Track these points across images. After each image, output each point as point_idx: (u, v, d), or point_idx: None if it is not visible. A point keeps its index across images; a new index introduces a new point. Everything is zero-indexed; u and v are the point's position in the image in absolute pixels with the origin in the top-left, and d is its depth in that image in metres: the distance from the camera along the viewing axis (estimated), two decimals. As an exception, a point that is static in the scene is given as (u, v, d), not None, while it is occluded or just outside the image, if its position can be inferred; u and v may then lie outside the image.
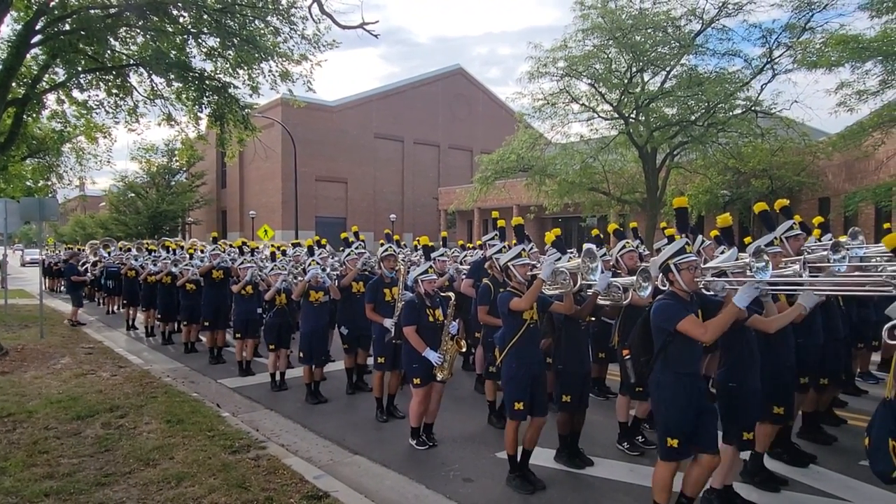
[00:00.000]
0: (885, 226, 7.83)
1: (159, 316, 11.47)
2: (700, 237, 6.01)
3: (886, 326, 3.10)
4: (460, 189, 33.07)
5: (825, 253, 4.37)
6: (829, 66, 14.97)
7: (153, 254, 12.52)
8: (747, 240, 4.54)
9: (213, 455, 5.18)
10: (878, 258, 4.87)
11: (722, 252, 4.32)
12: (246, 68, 11.41)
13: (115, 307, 16.44)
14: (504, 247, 5.41)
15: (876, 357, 7.92)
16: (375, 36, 11.30)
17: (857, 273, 4.26)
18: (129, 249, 15.64)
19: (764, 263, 3.52)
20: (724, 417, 4.17)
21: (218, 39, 10.92)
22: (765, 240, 4.31)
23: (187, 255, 11.08)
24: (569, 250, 5.24)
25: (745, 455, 4.60)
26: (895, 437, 2.93)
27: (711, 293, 3.94)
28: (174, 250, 11.89)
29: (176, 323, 11.64)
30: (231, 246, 11.31)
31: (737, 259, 3.93)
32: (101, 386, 7.66)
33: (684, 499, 3.84)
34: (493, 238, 7.23)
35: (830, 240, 4.95)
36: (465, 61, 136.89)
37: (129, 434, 5.80)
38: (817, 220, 6.59)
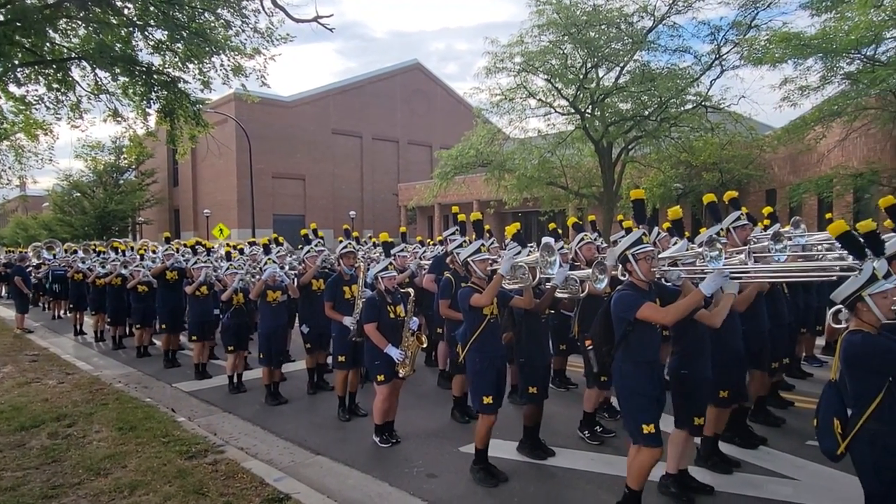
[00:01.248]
0: (828, 215, 8.18)
1: (109, 320, 11.08)
2: (656, 229, 6.15)
3: (831, 311, 3.24)
4: (420, 185, 33.01)
5: (768, 243, 4.52)
6: (774, 62, 15.54)
7: (101, 255, 12.05)
8: (702, 230, 4.67)
9: (169, 461, 5.03)
10: (819, 246, 5.09)
11: (675, 243, 4.43)
12: (196, 62, 11.06)
13: (62, 312, 15.80)
14: (465, 241, 5.42)
15: (820, 341, 8.27)
16: (330, 30, 11.14)
17: (801, 261, 4.42)
18: (76, 251, 15.02)
19: (717, 252, 3.62)
20: (677, 404, 4.29)
21: (166, 32, 10.55)
22: (713, 230, 4.44)
23: (138, 257, 10.72)
24: (529, 244, 5.28)
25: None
26: (840, 417, 3.06)
27: (668, 283, 4.03)
28: (123, 251, 11.49)
29: (127, 326, 11.25)
30: (185, 246, 10.99)
31: (688, 249, 4.03)
32: (47, 394, 7.35)
33: (627, 489, 3.92)
34: (453, 233, 7.23)
35: (775, 229, 5.13)
36: (423, 56, 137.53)
37: (78, 443, 5.57)
38: (766, 210, 6.83)
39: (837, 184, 16.40)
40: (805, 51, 14.65)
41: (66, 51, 10.80)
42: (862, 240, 3.11)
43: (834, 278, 3.37)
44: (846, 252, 3.25)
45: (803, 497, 4.31)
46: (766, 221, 6.04)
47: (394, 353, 5.37)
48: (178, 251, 10.31)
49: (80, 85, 11.46)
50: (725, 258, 3.74)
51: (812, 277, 4.01)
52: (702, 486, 4.41)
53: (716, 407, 4.64)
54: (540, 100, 21.09)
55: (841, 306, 3.12)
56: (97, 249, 13.00)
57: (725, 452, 4.94)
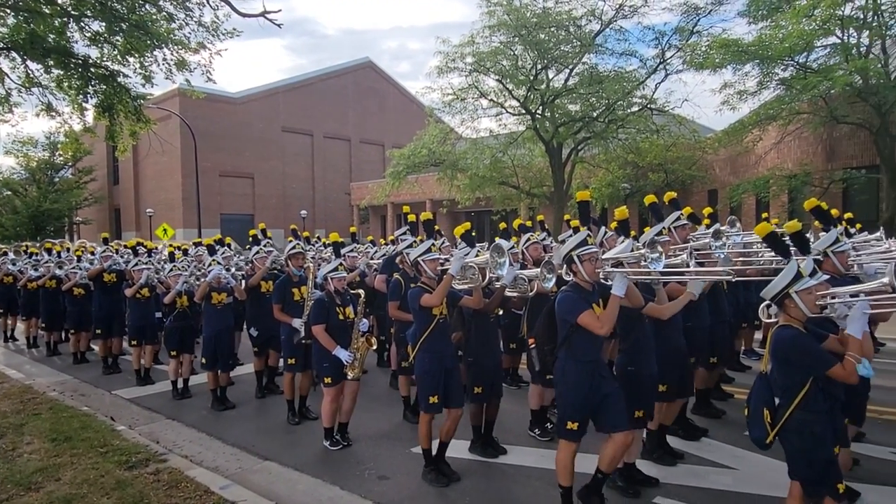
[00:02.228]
0: (764, 215, 8.54)
1: (43, 325, 10.53)
2: (603, 229, 6.29)
3: (762, 305, 3.38)
4: (373, 184, 32.80)
5: (708, 241, 4.69)
6: (714, 67, 16.17)
7: (34, 257, 11.45)
8: (647, 229, 4.79)
9: (107, 473, 4.82)
10: (758, 244, 5.31)
11: (621, 243, 4.53)
12: (137, 56, 10.67)
13: (-8, 317, 14.91)
14: (415, 241, 5.40)
15: (758, 335, 8.63)
16: (278, 26, 10.94)
17: (741, 260, 4.61)
18: (6, 253, 14.19)
19: (658, 254, 3.73)
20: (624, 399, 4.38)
21: (103, 24, 10.12)
22: (655, 230, 4.57)
23: (74, 258, 10.24)
24: (479, 244, 5.30)
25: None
26: (769, 407, 3.20)
27: (611, 283, 4.11)
28: (59, 252, 10.94)
29: (63, 332, 10.74)
30: (125, 247, 10.56)
31: (632, 250, 4.13)
32: (-27, 405, 6.93)
33: (600, 474, 4.01)
34: (404, 233, 7.20)
35: (715, 228, 5.32)
36: (375, 55, 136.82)
37: (7, 457, 5.27)
38: (706, 210, 7.08)
39: (773, 184, 17.20)
40: (743, 57, 15.30)
41: (-7, 41, 10.22)
42: (790, 239, 3.27)
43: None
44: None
45: (742, 485, 4.49)
46: (707, 221, 6.26)
47: (342, 355, 5.30)
48: (117, 252, 9.90)
49: (9, 77, 10.87)
50: (669, 257, 3.85)
51: (750, 276, 4.18)
52: (647, 478, 4.53)
53: (661, 402, 4.77)
54: (491, 100, 21.29)
55: (769, 301, 3.26)
56: (29, 251, 12.33)
57: (670, 444, 5.09)
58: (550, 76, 20.90)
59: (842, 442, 3.37)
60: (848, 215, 6.51)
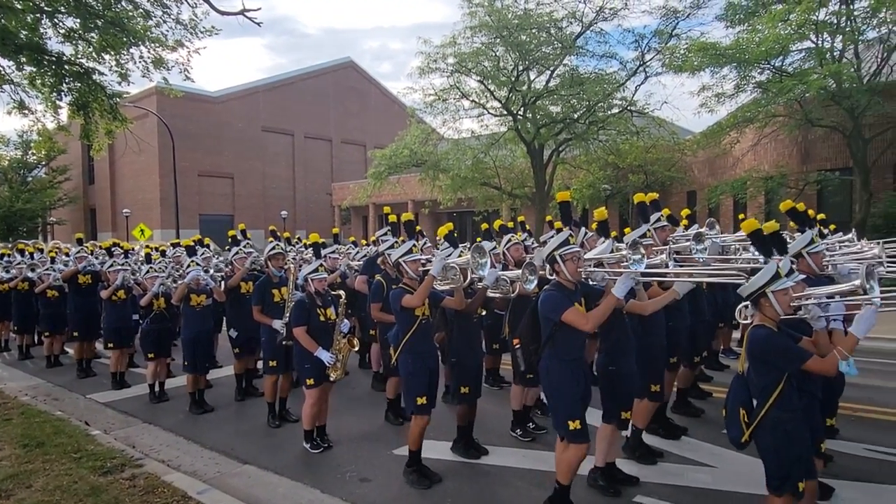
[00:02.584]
0: (741, 216, 8.65)
1: (15, 328, 10.28)
2: (583, 229, 6.32)
3: (739, 306, 3.42)
4: (354, 184, 32.61)
5: (689, 243, 4.73)
6: (693, 70, 16.37)
7: (5, 258, 11.17)
8: (627, 230, 4.83)
9: (81, 479, 4.71)
10: (735, 245, 5.39)
11: (602, 243, 4.55)
12: (113, 53, 10.49)
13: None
14: (396, 242, 5.37)
15: (736, 334, 8.74)
16: (258, 24, 10.82)
17: (718, 263, 4.66)
18: (-23, 254, 13.86)
19: (640, 256, 3.76)
20: (605, 398, 4.41)
21: (78, 20, 9.93)
22: (638, 232, 4.60)
23: (48, 259, 10.02)
24: (461, 244, 5.30)
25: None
26: (746, 406, 3.24)
27: (593, 282, 4.14)
28: (31, 254, 10.70)
29: (35, 335, 10.50)
30: (100, 247, 10.36)
31: (613, 250, 4.16)
32: (-59, 410, 6.74)
33: (558, 484, 4.00)
34: (385, 234, 7.16)
35: (695, 230, 5.38)
36: (356, 55, 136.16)
37: (-22, 463, 5.13)
38: (685, 212, 7.16)
39: (750, 186, 17.47)
40: (720, 60, 15.52)
41: (-38, 36, 9.96)
42: (768, 239, 3.31)
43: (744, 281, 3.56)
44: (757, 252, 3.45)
45: (721, 483, 4.54)
46: (685, 222, 6.33)
47: (324, 356, 5.26)
48: (92, 253, 9.71)
49: (-21, 74, 10.61)
50: (650, 258, 3.88)
51: (726, 279, 4.22)
52: (628, 477, 4.56)
53: (647, 401, 4.81)
54: (473, 101, 21.33)
55: (745, 300, 3.30)
56: (1, 252, 12.04)
57: (649, 443, 5.13)
58: (532, 77, 21.01)
59: (820, 437, 3.43)
60: (821, 216, 6.62)
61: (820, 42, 15.31)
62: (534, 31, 19.77)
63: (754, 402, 3.21)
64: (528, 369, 4.30)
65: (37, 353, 10.27)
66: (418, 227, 6.93)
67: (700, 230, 4.80)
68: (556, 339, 3.87)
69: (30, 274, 9.85)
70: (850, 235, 5.68)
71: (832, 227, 6.87)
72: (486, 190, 22.97)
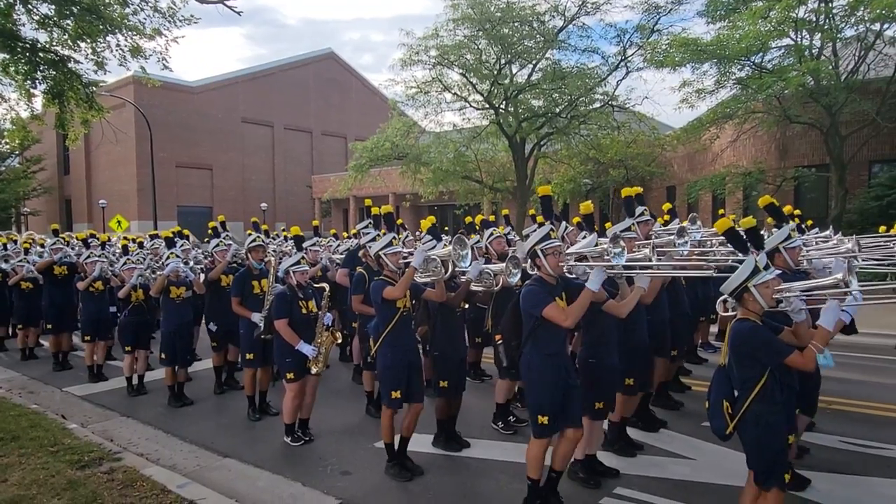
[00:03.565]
0: (720, 211, 8.77)
1: (-13, 320, 10.07)
2: (564, 223, 6.35)
3: (719, 300, 3.47)
4: (335, 177, 32.37)
5: (671, 238, 4.78)
6: (674, 65, 16.49)
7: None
8: (608, 225, 4.86)
9: (58, 472, 4.64)
10: (711, 240, 5.46)
11: (584, 237, 4.58)
12: (89, 41, 10.25)
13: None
14: (378, 235, 5.35)
15: (714, 328, 8.88)
16: (238, 13, 10.65)
17: (696, 256, 4.72)
18: (-53, 245, 13.52)
19: (620, 249, 3.79)
20: (584, 391, 4.44)
21: (53, 7, 9.69)
22: (621, 226, 4.63)
23: (22, 251, 9.80)
24: (444, 237, 5.29)
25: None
26: (729, 399, 3.29)
27: (574, 277, 4.16)
28: (5, 245, 10.47)
29: (9, 327, 10.29)
30: (76, 238, 10.17)
31: (596, 244, 4.18)
32: (-89, 405, 6.58)
33: (554, 473, 4.04)
34: (366, 226, 7.13)
35: (678, 225, 5.44)
36: (337, 46, 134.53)
37: (-50, 458, 5.02)
38: (666, 206, 7.22)
39: (729, 182, 17.69)
40: (701, 56, 15.66)
41: (-69, 21, 9.67)
42: (745, 235, 3.36)
43: (714, 274, 3.61)
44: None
45: (700, 475, 4.61)
46: (667, 217, 6.39)
47: (306, 349, 5.23)
48: (68, 244, 9.52)
49: (-51, 60, 10.31)
50: (633, 252, 3.91)
51: (701, 272, 4.28)
52: (608, 469, 4.62)
53: (623, 394, 4.85)
54: (455, 94, 21.28)
55: (727, 296, 3.34)
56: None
57: (630, 436, 5.18)
58: (514, 71, 21.01)
59: (793, 431, 3.49)
60: (797, 212, 6.74)
61: (799, 39, 15.53)
62: (516, 24, 19.77)
63: (736, 395, 3.27)
64: (510, 364, 4.32)
65: (10, 345, 10.06)
66: (400, 221, 6.91)
67: (682, 225, 4.86)
68: (537, 334, 3.88)
69: (3, 265, 9.64)
70: (828, 231, 5.78)
71: (809, 222, 7.00)
72: (468, 183, 22.97)
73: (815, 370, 3.51)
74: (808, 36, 15.59)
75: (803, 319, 3.26)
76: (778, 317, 3.37)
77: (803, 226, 6.16)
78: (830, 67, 14.88)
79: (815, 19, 15.16)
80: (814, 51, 15.50)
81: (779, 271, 3.47)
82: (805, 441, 4.90)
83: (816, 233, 6.01)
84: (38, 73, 10.18)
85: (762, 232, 3.86)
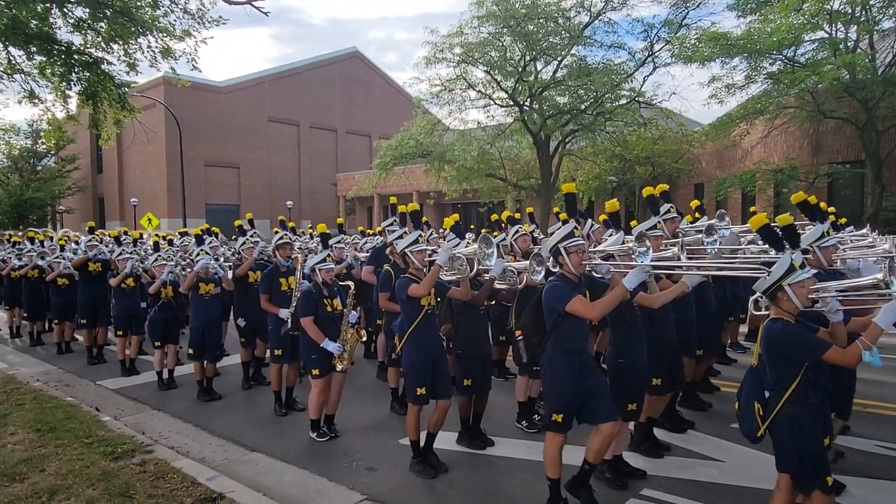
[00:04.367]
0: (751, 209, 8.59)
1: (26, 315, 10.38)
2: (590, 221, 6.30)
3: (752, 298, 3.39)
4: (359, 175, 32.60)
5: (700, 236, 4.71)
6: (703, 60, 16.21)
7: (17, 246, 11.26)
8: (633, 223, 4.81)
9: (92, 463, 4.77)
10: (742, 239, 5.35)
11: (610, 235, 4.54)
12: (121, 43, 10.48)
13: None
14: (404, 232, 5.38)
15: (744, 328, 8.71)
16: (265, 14, 10.78)
17: (728, 256, 4.64)
18: (-12, 242, 13.99)
19: (646, 248, 3.74)
20: (613, 391, 4.40)
21: (87, 10, 9.93)
22: (647, 224, 4.58)
23: (58, 247, 10.08)
24: (467, 235, 5.29)
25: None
26: (760, 400, 3.22)
27: (598, 275, 4.13)
28: (42, 242, 10.78)
29: (46, 322, 10.60)
30: (109, 236, 10.42)
31: (623, 243, 4.14)
32: (-46, 396, 6.83)
33: (587, 465, 4.01)
34: (392, 224, 7.16)
35: (705, 222, 5.35)
36: (362, 45, 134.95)
37: (-9, 448, 5.20)
38: (694, 203, 7.11)
39: (760, 179, 17.32)
40: (731, 50, 15.35)
41: (-28, 26, 9.98)
42: (780, 232, 3.28)
43: (757, 274, 3.53)
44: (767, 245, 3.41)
45: (728, 477, 4.53)
46: (696, 214, 6.29)
47: (331, 347, 5.28)
48: (101, 241, 9.76)
49: (-10, 63, 10.64)
50: (662, 251, 3.86)
51: (737, 272, 4.20)
52: (635, 470, 4.57)
53: (651, 394, 4.80)
54: (479, 91, 21.20)
55: (760, 294, 3.27)
56: (12, 240, 12.14)
57: (657, 437, 5.12)
58: (539, 68, 20.86)
59: (829, 434, 3.40)
60: (832, 210, 6.57)
61: (834, 32, 15.12)
62: (541, 20, 19.61)
63: (767, 396, 3.19)
64: (530, 361, 4.30)
65: (47, 339, 10.37)
66: (424, 219, 6.93)
67: (711, 222, 4.77)
68: (559, 331, 3.86)
69: (39, 262, 9.93)
70: (864, 230, 5.63)
71: (843, 220, 6.82)
72: (492, 181, 22.90)
73: (852, 371, 3.41)
74: (843, 28, 15.17)
75: (840, 320, 3.17)
76: (818, 318, 3.28)
77: (838, 223, 6.00)
78: (867, 60, 14.45)
79: (850, 11, 14.73)
80: (849, 44, 15.08)
81: (815, 271, 3.39)
82: (840, 445, 4.78)
83: (851, 231, 5.86)
84: (73, 74, 10.44)
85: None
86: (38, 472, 4.66)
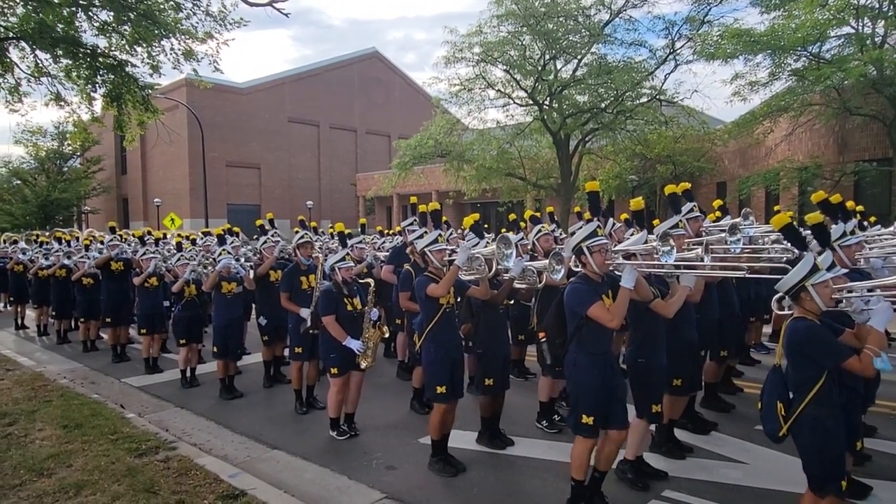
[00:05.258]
0: (776, 208, 8.46)
1: (53, 313, 10.60)
2: (611, 220, 6.24)
3: (775, 298, 3.34)
4: (379, 175, 32.69)
5: (724, 235, 4.64)
6: (725, 57, 15.96)
7: (44, 246, 11.51)
8: (655, 222, 4.75)
9: (118, 459, 4.85)
10: (763, 238, 5.26)
11: (631, 234, 4.49)
12: (145, 45, 10.66)
13: (2, 305, 15.03)
14: (424, 232, 5.38)
15: (767, 329, 8.57)
16: (286, 15, 10.91)
17: (749, 255, 4.56)
18: (16, 241, 14.30)
19: (670, 248, 3.69)
20: (635, 393, 4.36)
21: (112, 13, 10.11)
22: (670, 223, 4.52)
23: (83, 247, 10.28)
24: (487, 234, 5.28)
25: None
26: (783, 400, 3.17)
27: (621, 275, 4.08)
28: (68, 242, 11.00)
29: (72, 320, 10.82)
30: (132, 235, 10.60)
31: (646, 241, 4.09)
32: (-15, 392, 7.00)
33: (597, 473, 3.99)
34: (411, 223, 7.18)
35: (728, 221, 5.27)
36: (381, 45, 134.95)
37: (20, 443, 5.32)
38: (717, 202, 7.02)
39: (784, 177, 17.01)
40: (755, 47, 15.10)
41: (2, 30, 10.22)
42: (810, 231, 3.22)
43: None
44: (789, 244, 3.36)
45: (752, 480, 4.46)
46: (718, 213, 6.20)
47: (354, 345, 5.31)
48: (125, 241, 9.92)
49: (18, 67, 10.89)
50: (685, 250, 3.81)
51: (756, 271, 4.13)
52: (656, 471, 4.52)
53: (670, 395, 4.74)
54: (499, 90, 21.15)
55: (783, 294, 3.21)
56: (39, 240, 12.41)
57: (678, 438, 5.07)
58: (558, 66, 20.75)
59: (858, 436, 3.34)
60: (860, 208, 6.43)
61: (860, 27, 14.80)
62: (561, 19, 19.50)
63: (791, 396, 3.14)
64: (554, 363, 4.27)
65: (73, 337, 10.57)
66: (444, 218, 6.93)
67: (735, 221, 4.70)
68: (582, 333, 3.83)
69: (66, 261, 10.13)
70: (892, 228, 5.50)
71: (872, 218, 6.68)
72: (511, 180, 22.82)
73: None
74: (870, 23, 14.84)
75: (866, 320, 3.11)
76: (843, 318, 3.22)
77: (865, 222, 5.87)
78: (895, 56, 14.12)
79: (877, 6, 14.42)
80: (876, 39, 14.74)
81: (845, 270, 3.32)
82: (866, 448, 4.67)
83: (879, 230, 5.73)
84: (98, 77, 10.64)
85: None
86: (65, 467, 4.76)
